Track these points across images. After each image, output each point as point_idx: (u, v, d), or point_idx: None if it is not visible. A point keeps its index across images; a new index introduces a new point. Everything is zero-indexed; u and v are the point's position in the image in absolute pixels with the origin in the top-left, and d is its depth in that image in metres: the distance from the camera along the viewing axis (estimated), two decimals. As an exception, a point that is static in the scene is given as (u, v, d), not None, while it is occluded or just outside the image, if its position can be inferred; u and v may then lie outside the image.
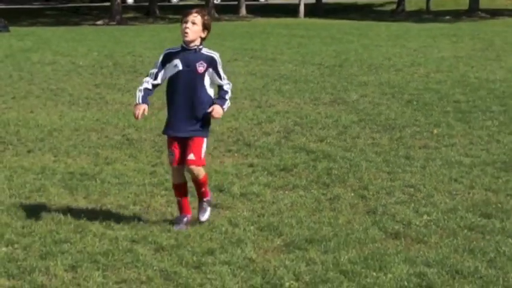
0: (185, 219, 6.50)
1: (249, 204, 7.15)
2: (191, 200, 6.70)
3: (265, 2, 62.70)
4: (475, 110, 11.98)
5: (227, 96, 6.39)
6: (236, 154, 9.27)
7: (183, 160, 6.33)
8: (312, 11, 48.93)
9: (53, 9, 57.15)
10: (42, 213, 6.76)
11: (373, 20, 42.81)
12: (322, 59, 19.85)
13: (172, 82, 6.35)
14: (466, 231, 6.31)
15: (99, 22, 43.28)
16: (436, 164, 8.58)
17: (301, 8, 48.16)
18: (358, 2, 59.14)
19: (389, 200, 7.23)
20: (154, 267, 5.55)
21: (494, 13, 45.97)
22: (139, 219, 6.65)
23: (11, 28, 33.09)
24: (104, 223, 6.49)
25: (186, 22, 6.25)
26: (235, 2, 51.63)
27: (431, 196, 7.34)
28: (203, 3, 48.12)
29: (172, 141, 6.40)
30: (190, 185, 6.58)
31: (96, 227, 6.41)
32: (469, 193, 7.46)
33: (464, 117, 11.40)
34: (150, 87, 6.37)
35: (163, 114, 6.77)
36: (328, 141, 9.88)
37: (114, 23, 42.68)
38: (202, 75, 6.28)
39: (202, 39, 6.33)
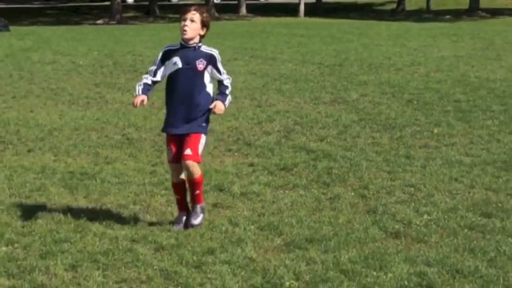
0: (185, 218, 6.49)
1: (249, 203, 7.15)
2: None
3: (265, 2, 62.67)
4: (475, 109, 11.98)
5: (227, 91, 6.39)
6: (236, 153, 9.27)
7: (180, 158, 6.31)
8: (312, 10, 48.93)
9: (53, 8, 57.14)
10: (42, 213, 6.76)
11: (373, 19, 42.82)
12: (322, 58, 19.84)
13: (172, 80, 6.34)
14: (466, 230, 6.31)
15: (99, 21, 43.28)
16: (436, 164, 8.57)
17: (301, 7, 48.16)
18: (358, 1, 59.11)
19: (390, 200, 7.23)
20: (155, 267, 5.55)
21: (495, 12, 45.97)
22: (140, 219, 6.65)
23: (11, 27, 33.07)
24: (104, 222, 6.48)
25: (185, 20, 6.24)
26: (235, 1, 51.61)
27: (431, 195, 7.34)
28: (203, 2, 48.12)
29: (171, 138, 6.39)
30: (190, 184, 6.58)
31: (96, 226, 6.41)
32: (469, 192, 7.46)
33: (464, 116, 11.39)
34: (149, 82, 6.37)
35: (163, 114, 6.76)
36: (329, 140, 9.88)
37: (114, 22, 42.68)
38: (202, 72, 6.28)
39: (201, 36, 6.32)
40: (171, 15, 45.45)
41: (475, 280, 5.28)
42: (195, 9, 6.30)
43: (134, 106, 6.29)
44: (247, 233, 6.25)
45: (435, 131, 10.38)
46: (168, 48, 6.41)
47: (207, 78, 6.32)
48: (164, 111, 6.74)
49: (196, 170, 6.31)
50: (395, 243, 6.02)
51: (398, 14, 48.66)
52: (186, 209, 6.54)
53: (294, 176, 8.16)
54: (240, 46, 23.87)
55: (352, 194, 7.45)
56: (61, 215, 6.65)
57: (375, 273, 5.39)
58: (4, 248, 5.97)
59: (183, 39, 6.29)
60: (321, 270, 5.46)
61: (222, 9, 49.91)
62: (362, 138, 10.04)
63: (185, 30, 6.23)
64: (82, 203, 7.20)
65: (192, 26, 6.24)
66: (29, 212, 6.80)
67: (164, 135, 6.64)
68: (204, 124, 6.34)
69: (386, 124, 10.94)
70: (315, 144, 9.69)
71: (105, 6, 50.14)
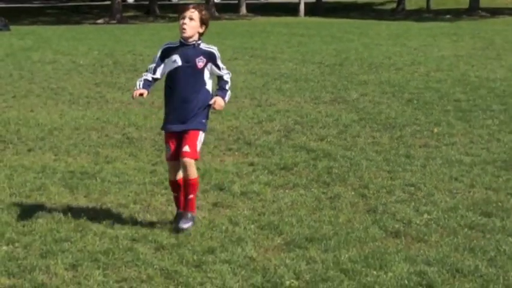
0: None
1: (249, 203, 7.15)
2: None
3: (266, 1, 62.67)
4: (475, 108, 11.98)
5: (227, 86, 6.39)
6: (236, 153, 9.27)
7: (178, 156, 6.30)
8: (312, 10, 48.94)
9: (54, 8, 57.15)
10: (43, 212, 6.76)
11: (374, 19, 42.83)
12: (323, 58, 19.84)
13: (171, 77, 6.34)
14: (466, 230, 6.31)
15: (99, 21, 43.30)
16: (436, 163, 8.58)
17: (302, 7, 48.18)
18: (358, 0, 59.09)
19: (390, 199, 7.23)
20: (155, 266, 5.55)
21: (495, 12, 45.97)
22: (140, 218, 6.66)
23: (12, 27, 33.09)
24: (104, 222, 6.49)
25: (184, 18, 6.24)
26: (236, 1, 51.63)
27: (431, 195, 7.34)
28: (203, 1, 48.14)
29: (169, 136, 6.38)
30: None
31: (96, 225, 6.42)
32: (469, 192, 7.46)
33: (464, 116, 11.40)
34: (149, 78, 6.37)
35: (163, 113, 6.76)
36: (329, 140, 9.88)
37: (115, 21, 42.69)
38: (202, 70, 6.28)
39: (201, 34, 6.32)
40: (171, 15, 45.44)
41: (475, 279, 5.28)
42: (193, 7, 6.30)
43: (132, 98, 6.32)
44: (248, 232, 6.26)
45: (435, 130, 10.39)
46: (168, 46, 6.41)
47: (206, 75, 6.32)
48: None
49: (194, 170, 6.28)
50: (395, 243, 6.03)
51: (399, 13, 48.65)
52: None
53: (294, 175, 8.16)
54: (240, 46, 23.87)
55: (352, 193, 7.45)
56: (61, 215, 6.66)
57: (375, 272, 5.39)
58: (4, 247, 5.97)
59: (182, 38, 6.29)
60: (321, 269, 5.46)
61: (222, 8, 49.92)
62: (362, 137, 10.04)
63: (184, 29, 6.23)
64: (82, 202, 7.21)
65: (191, 24, 6.24)
66: (30, 211, 6.80)
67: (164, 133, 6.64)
68: (203, 121, 6.33)
69: (387, 123, 10.94)
70: (315, 143, 9.69)
71: (105, 5, 50.16)
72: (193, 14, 6.24)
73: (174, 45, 6.36)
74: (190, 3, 6.46)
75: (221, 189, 7.56)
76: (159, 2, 52.40)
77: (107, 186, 7.71)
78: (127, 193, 7.48)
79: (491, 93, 13.56)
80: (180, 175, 6.42)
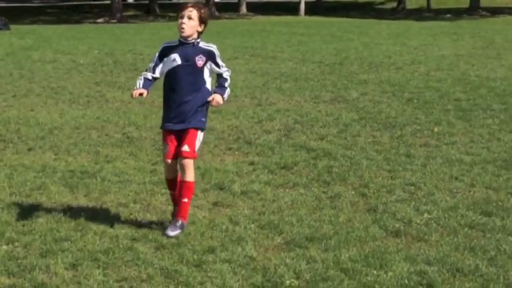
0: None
1: (249, 202, 7.15)
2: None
3: (266, 0, 62.64)
4: (475, 108, 11.98)
5: (226, 84, 6.37)
6: (237, 152, 9.27)
7: (177, 155, 6.29)
8: (312, 9, 48.93)
9: (54, 7, 57.11)
10: (43, 212, 6.76)
11: (374, 18, 42.82)
12: (323, 57, 19.84)
13: (171, 76, 6.32)
14: (466, 229, 6.31)
15: (99, 20, 43.29)
16: (436, 162, 8.57)
17: (302, 6, 48.16)
18: (358, 0, 59.10)
19: (390, 198, 7.23)
20: (155, 266, 5.55)
21: (495, 11, 45.95)
22: (140, 218, 6.66)
23: (12, 26, 33.08)
24: (105, 221, 6.49)
25: (182, 17, 6.22)
26: (236, 0, 51.63)
27: (431, 194, 7.34)
28: (203, 0, 48.15)
29: (168, 134, 6.35)
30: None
31: (96, 225, 6.41)
32: (469, 191, 7.46)
33: (464, 115, 11.39)
34: (149, 77, 6.35)
35: (164, 112, 6.75)
36: (329, 139, 9.88)
37: (115, 21, 42.68)
38: (202, 69, 6.26)
39: (200, 33, 6.31)
40: (171, 14, 45.42)
41: (475, 279, 5.28)
42: (192, 6, 6.27)
43: (132, 97, 6.30)
44: (248, 232, 6.25)
45: (435, 129, 10.38)
46: (167, 45, 6.40)
47: (206, 74, 6.31)
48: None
49: (191, 173, 6.25)
50: (395, 242, 6.03)
51: (399, 12, 48.65)
52: None
53: (294, 174, 8.16)
54: (241, 45, 23.86)
55: (353, 192, 7.45)
56: (61, 214, 6.66)
57: (375, 272, 5.39)
58: (4, 247, 5.97)
59: (181, 37, 6.28)
60: (321, 269, 5.46)
61: (223, 8, 49.90)
62: (362, 137, 10.04)
63: (183, 28, 6.22)
64: (82, 201, 7.20)
65: (190, 23, 6.22)
66: (29, 210, 6.80)
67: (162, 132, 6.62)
68: (203, 119, 6.31)
69: (387, 123, 10.94)
70: (315, 143, 9.69)
71: (105, 4, 50.15)
72: (191, 13, 6.23)
73: (173, 44, 6.35)
74: (190, 2, 6.44)
75: (221, 189, 7.56)
76: (159, 1, 52.39)
77: (107, 186, 7.70)
78: (127, 192, 7.48)
79: (491, 92, 13.56)
80: (176, 173, 6.40)
